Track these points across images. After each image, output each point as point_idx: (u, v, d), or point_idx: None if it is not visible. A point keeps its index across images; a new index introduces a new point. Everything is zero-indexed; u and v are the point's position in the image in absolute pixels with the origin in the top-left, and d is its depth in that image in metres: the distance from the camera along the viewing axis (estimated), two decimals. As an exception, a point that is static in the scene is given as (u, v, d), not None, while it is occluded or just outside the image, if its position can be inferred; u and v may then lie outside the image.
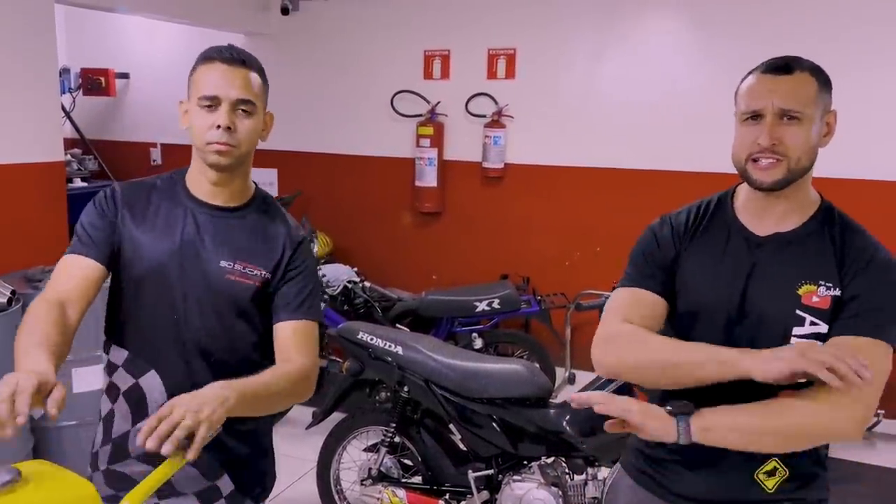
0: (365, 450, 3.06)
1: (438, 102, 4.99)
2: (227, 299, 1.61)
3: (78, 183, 5.43)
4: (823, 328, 1.42)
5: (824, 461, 1.55)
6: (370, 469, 2.95)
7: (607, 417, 1.41)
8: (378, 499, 2.92)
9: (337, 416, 3.13)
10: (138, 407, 1.63)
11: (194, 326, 1.60)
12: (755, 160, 1.42)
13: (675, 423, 1.35)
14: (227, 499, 1.68)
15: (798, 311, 1.42)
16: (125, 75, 5.94)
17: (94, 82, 5.81)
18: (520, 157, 4.90)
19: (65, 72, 5.74)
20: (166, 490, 1.60)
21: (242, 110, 1.56)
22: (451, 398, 2.72)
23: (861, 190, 4.05)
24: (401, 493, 2.88)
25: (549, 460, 2.70)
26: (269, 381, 1.50)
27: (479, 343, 4.23)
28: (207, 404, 1.28)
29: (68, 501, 1.15)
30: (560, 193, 4.84)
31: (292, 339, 1.62)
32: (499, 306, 4.12)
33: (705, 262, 1.52)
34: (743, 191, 1.54)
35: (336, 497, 3.14)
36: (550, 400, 2.74)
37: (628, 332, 1.48)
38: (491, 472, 2.76)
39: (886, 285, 1.41)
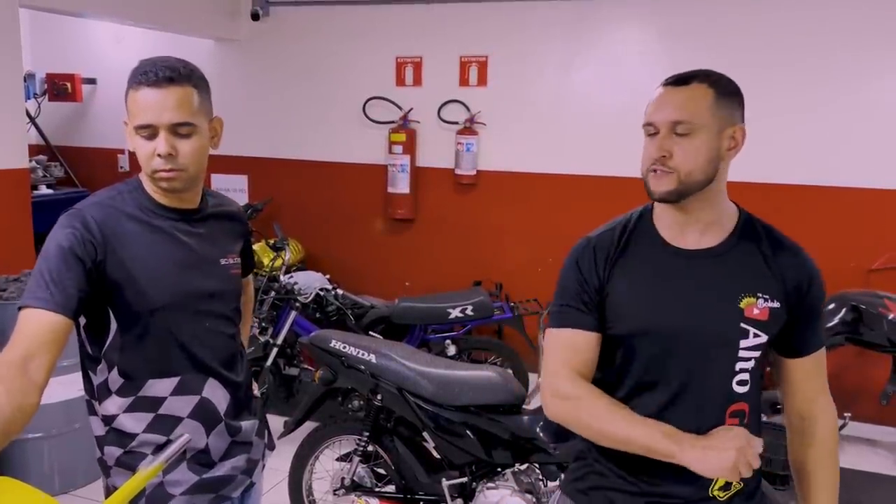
0: (337, 459, 3.04)
1: (411, 109, 4.99)
2: (235, 291, 1.74)
3: (43, 190, 5.35)
4: (764, 338, 1.44)
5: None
6: (343, 478, 2.93)
7: None
8: (351, 508, 2.90)
9: (309, 426, 3.10)
10: (212, 418, 1.66)
11: (223, 323, 1.68)
12: (654, 171, 1.43)
13: None
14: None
15: (742, 325, 1.42)
16: (92, 81, 5.85)
17: (60, 88, 5.71)
18: (492, 163, 4.92)
19: (30, 77, 5.63)
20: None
21: (180, 133, 1.50)
22: (424, 406, 2.71)
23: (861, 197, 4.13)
24: (374, 502, 2.86)
25: (523, 467, 2.70)
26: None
27: (452, 350, 4.23)
28: None
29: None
30: (532, 200, 4.86)
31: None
32: (472, 313, 4.12)
33: (638, 283, 1.47)
34: (658, 206, 1.52)
35: (308, 507, 3.12)
36: (524, 406, 2.74)
37: (585, 399, 1.44)
38: (465, 479, 2.75)
39: (821, 295, 1.51)
